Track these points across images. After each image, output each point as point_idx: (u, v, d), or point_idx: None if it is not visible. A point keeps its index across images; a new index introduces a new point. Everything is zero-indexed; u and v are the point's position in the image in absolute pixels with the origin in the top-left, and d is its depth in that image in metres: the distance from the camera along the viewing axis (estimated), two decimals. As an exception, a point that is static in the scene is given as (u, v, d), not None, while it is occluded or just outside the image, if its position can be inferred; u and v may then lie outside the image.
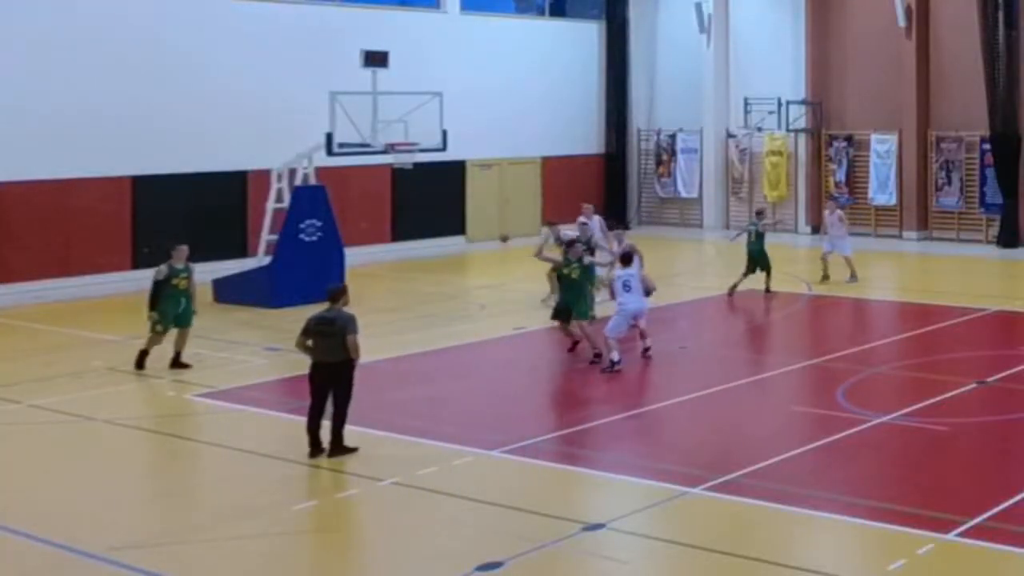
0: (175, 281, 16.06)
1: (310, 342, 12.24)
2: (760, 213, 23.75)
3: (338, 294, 12.54)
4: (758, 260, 21.66)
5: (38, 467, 12.03)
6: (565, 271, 16.93)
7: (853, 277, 22.92)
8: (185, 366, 16.02)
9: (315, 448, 12.07)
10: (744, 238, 22.28)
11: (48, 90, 22.81)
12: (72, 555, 9.59)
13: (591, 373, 15.97)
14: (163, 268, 16.14)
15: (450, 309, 20.89)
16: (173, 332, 16.10)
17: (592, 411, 13.97)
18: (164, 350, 16.12)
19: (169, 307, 15.97)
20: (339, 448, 12.09)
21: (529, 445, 12.50)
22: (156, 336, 16.03)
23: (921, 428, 13.17)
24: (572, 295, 16.74)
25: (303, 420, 12.27)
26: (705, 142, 33.57)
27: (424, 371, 16.34)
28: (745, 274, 21.54)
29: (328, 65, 25.62)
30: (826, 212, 24.46)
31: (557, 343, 17.52)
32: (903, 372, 16.27)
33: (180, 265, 16.17)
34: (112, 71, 23.70)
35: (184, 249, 16.36)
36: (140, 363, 15.98)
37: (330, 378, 12.13)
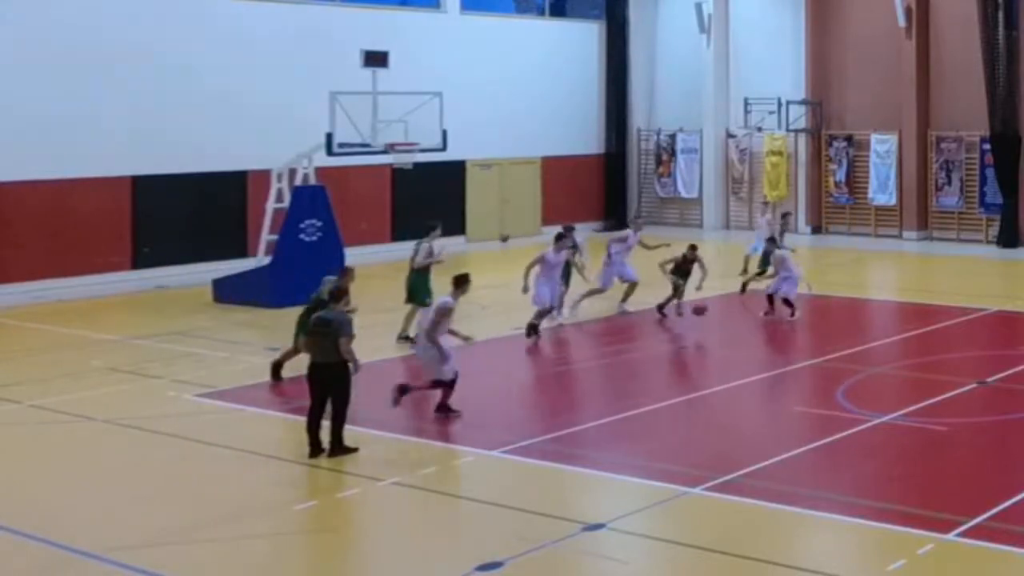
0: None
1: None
2: (786, 216, 24.05)
3: (338, 295, 12.53)
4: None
5: (38, 467, 12.02)
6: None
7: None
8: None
9: (315, 448, 12.06)
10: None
11: (48, 90, 22.81)
12: (72, 555, 9.59)
13: (591, 373, 15.97)
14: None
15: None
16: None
17: (592, 411, 13.97)
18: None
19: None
20: (339, 448, 12.08)
21: (529, 445, 12.50)
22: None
23: (921, 428, 13.17)
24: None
25: (303, 420, 12.27)
26: (705, 142, 33.57)
27: (424, 371, 16.31)
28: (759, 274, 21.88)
29: (328, 65, 25.62)
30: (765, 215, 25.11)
31: (556, 343, 17.53)
32: (903, 372, 16.27)
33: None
34: (112, 71, 23.69)
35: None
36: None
37: (325, 379, 12.12)
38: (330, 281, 15.28)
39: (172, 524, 10.33)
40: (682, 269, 19.63)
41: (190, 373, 15.79)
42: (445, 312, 13.34)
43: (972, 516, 10.17)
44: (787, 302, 19.41)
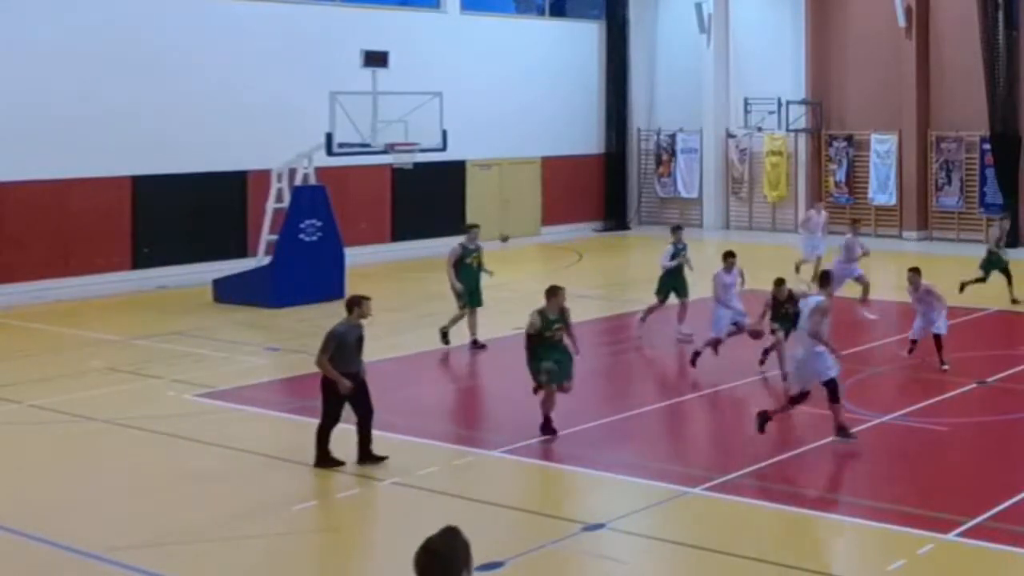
0: (468, 260, 17.20)
1: None
2: (1003, 220, 23.39)
3: (349, 305, 12.18)
4: (996, 266, 21.28)
5: (38, 467, 12.03)
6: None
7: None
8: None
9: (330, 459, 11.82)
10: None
11: (48, 90, 22.82)
12: (72, 555, 9.59)
13: (591, 373, 15.95)
14: (457, 248, 17.51)
15: (450, 309, 20.84)
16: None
17: (592, 411, 13.96)
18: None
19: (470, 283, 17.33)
20: (321, 458, 11.77)
21: (529, 445, 12.50)
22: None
23: (921, 428, 13.17)
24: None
25: (303, 420, 12.28)
26: (705, 142, 33.58)
27: (424, 371, 16.34)
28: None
29: (328, 65, 25.63)
30: (813, 212, 25.02)
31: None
32: (903, 372, 16.26)
33: (472, 245, 17.33)
34: (112, 71, 23.70)
35: (476, 230, 18.02)
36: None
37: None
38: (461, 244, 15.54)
39: (172, 524, 10.32)
40: (781, 312, 15.71)
41: (190, 373, 15.79)
42: (826, 311, 12.85)
43: (972, 516, 10.17)
44: (936, 340, 16.18)
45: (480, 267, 17.86)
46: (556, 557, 9.51)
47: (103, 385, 15.21)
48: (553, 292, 13.02)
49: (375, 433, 12.07)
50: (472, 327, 17.54)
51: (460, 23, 30.45)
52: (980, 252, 28.20)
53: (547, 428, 12.77)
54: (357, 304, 12.08)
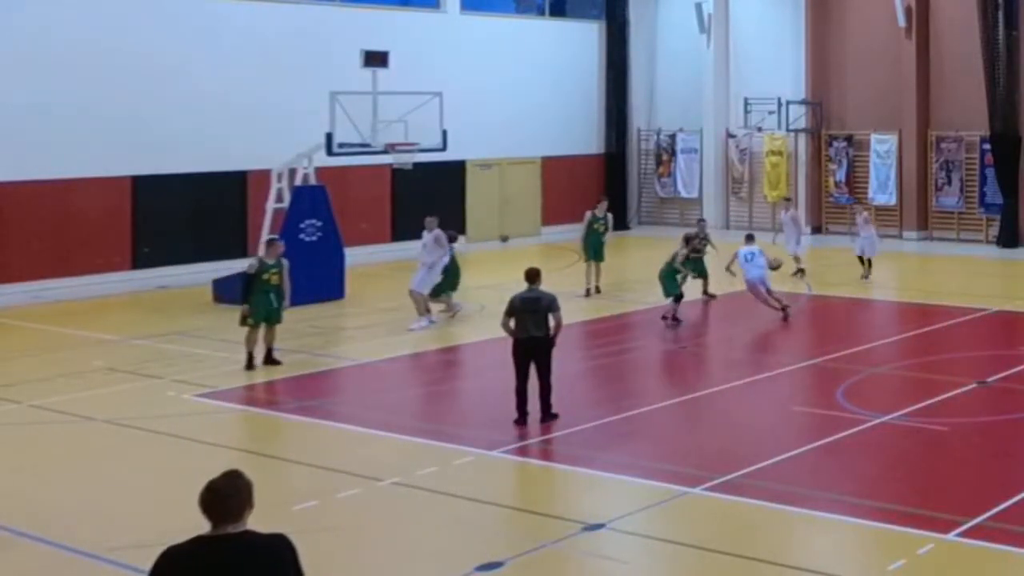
0: (265, 276, 16.12)
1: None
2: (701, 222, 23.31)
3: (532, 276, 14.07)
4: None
5: (38, 467, 12.02)
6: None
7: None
8: (276, 362, 16.10)
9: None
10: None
11: (48, 90, 22.81)
12: (72, 555, 9.58)
13: (591, 373, 15.96)
14: (254, 263, 16.24)
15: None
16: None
17: (592, 411, 13.96)
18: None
19: (260, 302, 16.01)
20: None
21: (529, 445, 12.50)
22: (252, 331, 16.04)
23: (921, 428, 13.16)
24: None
25: (304, 420, 12.25)
26: (705, 142, 33.58)
27: (423, 371, 16.33)
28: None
29: (328, 65, 25.63)
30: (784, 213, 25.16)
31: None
32: (903, 372, 16.27)
33: (271, 261, 16.24)
34: (112, 71, 23.70)
35: (279, 245, 16.61)
36: (249, 364, 15.92)
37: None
38: (259, 258, 15.93)
39: (172, 524, 10.29)
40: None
41: (190, 373, 15.79)
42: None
43: (972, 516, 10.16)
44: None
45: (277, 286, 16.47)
46: (556, 557, 9.50)
47: (103, 385, 15.21)
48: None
49: (360, 432, 12.09)
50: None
51: (460, 23, 30.45)
52: (980, 252, 28.28)
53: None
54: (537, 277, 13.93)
